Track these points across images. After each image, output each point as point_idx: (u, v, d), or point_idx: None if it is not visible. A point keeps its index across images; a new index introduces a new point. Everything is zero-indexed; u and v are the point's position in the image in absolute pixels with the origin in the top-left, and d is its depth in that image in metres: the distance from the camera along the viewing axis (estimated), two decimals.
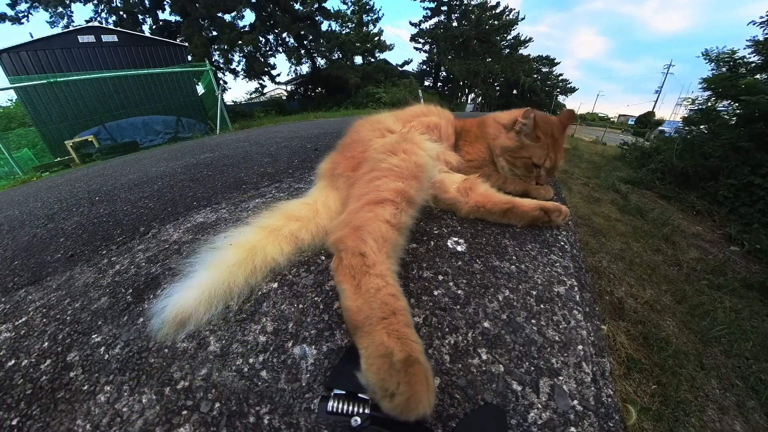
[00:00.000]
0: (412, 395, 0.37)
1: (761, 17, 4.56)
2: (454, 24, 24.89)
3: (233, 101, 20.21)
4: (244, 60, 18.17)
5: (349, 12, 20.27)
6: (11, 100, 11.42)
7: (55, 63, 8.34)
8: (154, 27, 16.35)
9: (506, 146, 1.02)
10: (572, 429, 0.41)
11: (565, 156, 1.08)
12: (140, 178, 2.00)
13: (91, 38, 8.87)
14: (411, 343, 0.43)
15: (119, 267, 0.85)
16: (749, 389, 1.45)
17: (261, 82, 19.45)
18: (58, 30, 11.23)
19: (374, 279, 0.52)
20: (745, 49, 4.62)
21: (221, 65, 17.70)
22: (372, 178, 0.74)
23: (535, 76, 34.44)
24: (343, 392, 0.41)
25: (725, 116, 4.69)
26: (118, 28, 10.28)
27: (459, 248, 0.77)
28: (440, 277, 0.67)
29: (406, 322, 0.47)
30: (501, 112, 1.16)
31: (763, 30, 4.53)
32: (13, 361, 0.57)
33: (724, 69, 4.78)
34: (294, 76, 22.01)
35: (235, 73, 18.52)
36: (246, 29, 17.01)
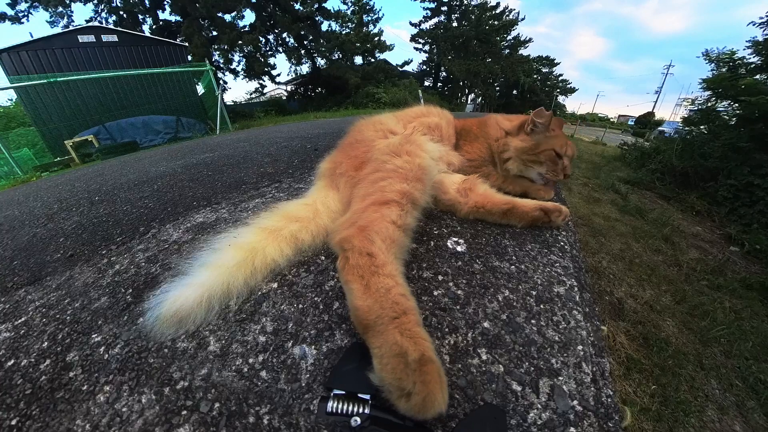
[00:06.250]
0: (428, 394, 0.37)
1: (761, 18, 4.56)
2: (454, 24, 24.90)
3: (233, 101, 20.26)
4: (244, 60, 18.21)
5: (349, 12, 20.32)
6: (11, 100, 11.42)
7: (55, 63, 8.35)
8: (154, 27, 16.36)
9: (522, 147, 1.01)
10: (572, 429, 0.41)
11: None
12: (140, 178, 2.00)
13: (91, 38, 8.88)
14: (423, 341, 0.44)
15: (119, 267, 0.85)
16: (749, 389, 1.45)
17: (261, 82, 19.49)
18: (58, 30, 11.21)
19: (384, 279, 0.52)
20: (744, 49, 4.62)
21: (221, 65, 17.73)
22: (376, 179, 0.74)
23: (535, 76, 34.44)
24: (343, 392, 0.41)
25: (725, 117, 4.69)
26: (118, 28, 10.29)
27: (459, 248, 0.77)
28: (440, 278, 0.67)
29: (417, 321, 0.47)
30: (502, 117, 1.16)
31: (763, 31, 4.53)
32: (12, 361, 0.57)
33: (724, 69, 4.78)
34: (294, 76, 22.05)
35: (235, 73, 18.55)
36: (246, 29, 17.04)
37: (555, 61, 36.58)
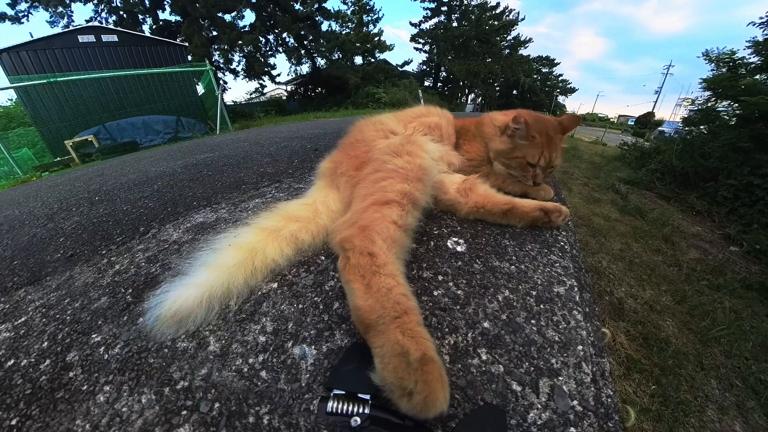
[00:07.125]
0: (430, 393, 0.38)
1: (761, 18, 4.57)
2: (454, 24, 24.88)
3: (233, 101, 20.22)
4: (244, 60, 18.20)
5: (349, 12, 20.31)
6: (11, 100, 11.42)
7: (55, 63, 8.35)
8: (154, 27, 16.36)
9: (499, 150, 1.03)
10: (572, 429, 0.41)
11: (564, 155, 1.08)
12: (140, 178, 2.00)
13: (91, 38, 8.88)
14: (424, 341, 0.44)
15: (119, 267, 0.85)
16: (749, 389, 1.45)
17: (261, 82, 19.48)
18: (58, 30, 11.23)
19: (385, 279, 0.52)
20: (744, 49, 4.63)
21: (221, 65, 17.71)
22: (377, 179, 0.74)
23: (535, 76, 34.48)
24: (343, 392, 0.41)
25: (725, 117, 4.69)
26: (118, 28, 10.31)
27: (459, 248, 0.77)
28: (440, 278, 0.67)
29: (418, 321, 0.47)
30: (498, 113, 1.15)
31: (763, 31, 4.54)
32: (12, 361, 0.57)
33: (724, 69, 4.78)
34: (294, 76, 22.03)
35: (235, 73, 18.54)
36: (246, 29, 17.02)
37: (555, 61, 36.63)
